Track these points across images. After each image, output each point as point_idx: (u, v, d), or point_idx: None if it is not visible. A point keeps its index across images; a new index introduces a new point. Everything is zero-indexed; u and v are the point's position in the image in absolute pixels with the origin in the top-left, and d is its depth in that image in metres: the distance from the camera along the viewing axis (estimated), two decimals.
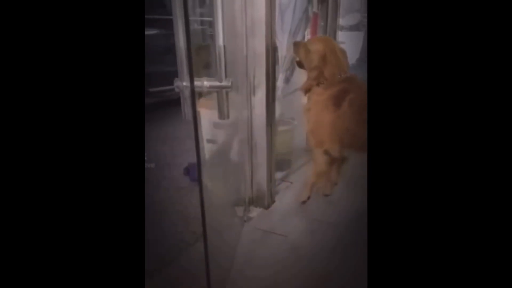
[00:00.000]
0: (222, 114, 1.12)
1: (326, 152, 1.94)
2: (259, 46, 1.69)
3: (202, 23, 1.68)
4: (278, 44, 2.20)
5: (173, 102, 3.66)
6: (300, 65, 2.01)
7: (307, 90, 1.96)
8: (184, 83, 1.00)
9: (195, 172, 2.32)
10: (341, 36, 3.20)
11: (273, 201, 2.10)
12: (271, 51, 1.74)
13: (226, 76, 1.05)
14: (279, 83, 2.39)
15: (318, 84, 1.88)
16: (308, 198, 2.10)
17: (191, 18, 1.01)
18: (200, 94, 1.06)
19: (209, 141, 1.62)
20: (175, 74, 1.06)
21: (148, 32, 3.80)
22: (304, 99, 2.02)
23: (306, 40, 2.37)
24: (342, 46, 2.03)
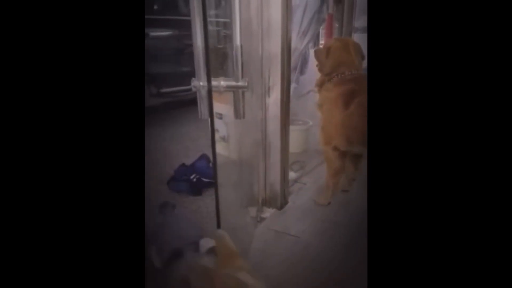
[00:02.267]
0: (238, 114, 1.13)
1: (335, 148, 1.95)
2: (275, 47, 1.69)
3: (217, 24, 1.70)
4: None
5: (187, 102, 3.70)
6: (320, 69, 2.04)
7: (319, 86, 2.01)
8: (201, 83, 1.01)
9: (177, 183, 2.32)
10: (355, 38, 3.20)
11: (286, 202, 2.10)
12: (287, 52, 1.74)
13: (242, 76, 1.06)
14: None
15: (329, 80, 1.91)
16: (329, 203, 2.10)
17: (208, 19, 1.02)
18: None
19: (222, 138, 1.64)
20: (188, 75, 1.07)
21: (162, 33, 3.82)
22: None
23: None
24: None
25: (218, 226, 1.16)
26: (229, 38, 1.08)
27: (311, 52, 2.34)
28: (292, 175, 2.38)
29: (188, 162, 2.54)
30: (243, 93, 1.09)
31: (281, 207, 2.06)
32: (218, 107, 1.82)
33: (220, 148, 1.70)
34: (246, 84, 1.06)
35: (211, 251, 1.07)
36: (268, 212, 2.05)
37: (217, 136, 1.82)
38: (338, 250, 1.70)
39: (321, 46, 2.37)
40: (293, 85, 2.62)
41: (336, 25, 2.48)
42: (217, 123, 1.83)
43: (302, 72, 2.60)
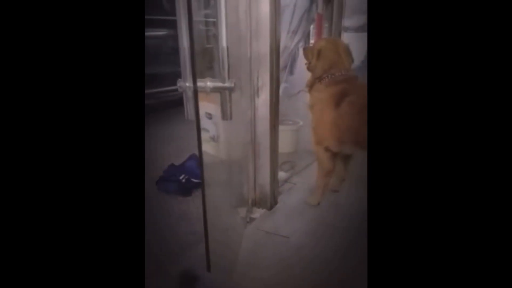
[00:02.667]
0: (225, 115, 1.12)
1: (327, 149, 1.96)
2: (263, 47, 1.69)
3: (207, 24, 1.68)
4: None
5: (178, 102, 3.67)
6: (310, 68, 2.04)
7: (309, 87, 2.01)
8: (187, 84, 1.00)
9: (166, 183, 2.31)
10: (346, 37, 3.20)
11: (276, 202, 2.10)
12: (275, 52, 1.74)
13: (229, 77, 1.05)
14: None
15: (319, 81, 1.91)
16: (319, 203, 2.11)
17: (195, 19, 1.01)
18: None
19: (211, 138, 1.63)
20: (173, 75, 1.06)
21: (158, 32, 3.78)
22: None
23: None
24: None
25: (205, 226, 1.15)
26: (217, 37, 1.07)
27: (301, 51, 2.34)
28: (282, 175, 2.38)
29: (179, 162, 2.52)
30: (230, 94, 1.08)
31: (270, 208, 2.06)
32: (207, 107, 1.81)
33: (209, 148, 1.69)
34: (232, 85, 1.05)
35: None
36: (257, 213, 2.05)
37: (207, 136, 1.82)
38: (328, 250, 1.70)
39: (311, 45, 2.37)
40: (283, 85, 2.62)
41: (326, 24, 2.48)
42: (207, 123, 1.82)
43: (291, 72, 2.60)
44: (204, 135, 1.35)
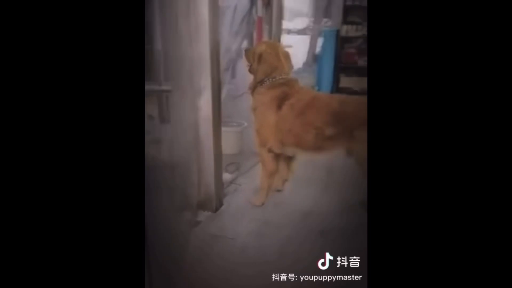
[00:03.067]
0: (163, 117, 1.11)
1: (270, 150, 2.00)
2: (203, 49, 1.69)
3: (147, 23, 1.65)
4: None
5: None
6: (251, 71, 2.06)
7: (252, 89, 2.04)
8: None
9: None
10: (288, 39, 3.26)
11: (221, 204, 2.10)
12: (216, 54, 1.74)
13: (166, 80, 1.04)
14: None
15: (261, 84, 1.94)
16: (263, 203, 2.13)
17: None
18: None
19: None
20: None
21: None
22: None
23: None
24: (289, 49, 2.10)
25: (145, 232, 1.12)
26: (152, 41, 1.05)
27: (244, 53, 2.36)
28: (227, 176, 2.38)
29: None
30: (167, 97, 1.06)
31: (216, 210, 2.06)
32: (149, 109, 1.77)
33: (152, 150, 1.66)
34: (170, 88, 1.04)
35: None
36: (203, 216, 2.03)
37: (149, 138, 1.77)
38: (273, 249, 1.72)
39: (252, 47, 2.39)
40: (227, 86, 2.62)
41: (267, 26, 2.52)
42: (149, 124, 1.78)
43: (233, 74, 2.61)
44: (145, 137, 1.32)
